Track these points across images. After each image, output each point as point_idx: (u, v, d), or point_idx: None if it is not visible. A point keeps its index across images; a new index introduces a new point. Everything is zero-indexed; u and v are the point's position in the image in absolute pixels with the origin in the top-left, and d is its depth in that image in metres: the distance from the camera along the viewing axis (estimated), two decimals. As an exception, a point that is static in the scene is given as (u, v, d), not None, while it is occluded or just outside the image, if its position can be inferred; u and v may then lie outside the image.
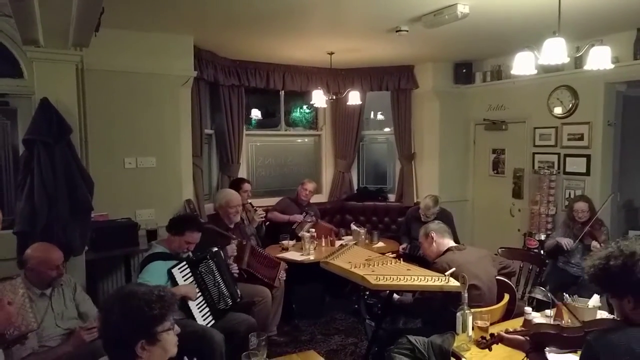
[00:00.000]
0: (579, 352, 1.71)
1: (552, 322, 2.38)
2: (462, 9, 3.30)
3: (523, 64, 2.88)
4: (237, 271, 3.58)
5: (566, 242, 3.95)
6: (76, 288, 2.75)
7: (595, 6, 3.37)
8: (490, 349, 2.00)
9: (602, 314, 2.46)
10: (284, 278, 3.89)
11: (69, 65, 3.38)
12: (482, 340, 1.98)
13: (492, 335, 1.98)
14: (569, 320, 2.36)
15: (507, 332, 1.95)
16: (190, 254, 3.16)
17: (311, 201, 5.27)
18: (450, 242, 2.96)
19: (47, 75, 3.27)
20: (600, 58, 2.81)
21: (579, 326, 1.79)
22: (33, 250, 2.55)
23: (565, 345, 1.79)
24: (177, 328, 1.56)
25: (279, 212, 5.00)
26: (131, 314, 1.45)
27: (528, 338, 1.85)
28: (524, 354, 1.99)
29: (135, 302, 1.46)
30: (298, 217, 4.87)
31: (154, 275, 2.84)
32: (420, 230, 3.07)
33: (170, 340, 1.52)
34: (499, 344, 1.96)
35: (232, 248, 3.62)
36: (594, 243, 3.76)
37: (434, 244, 2.93)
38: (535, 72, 2.99)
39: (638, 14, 3.61)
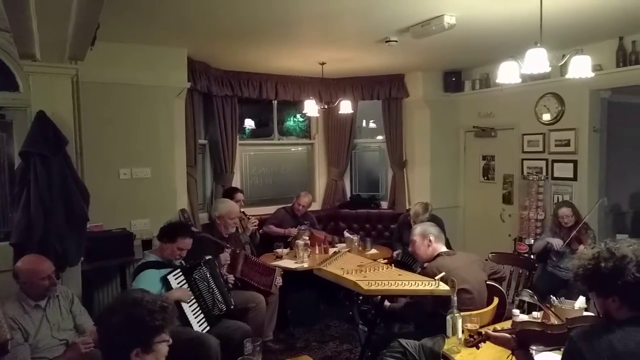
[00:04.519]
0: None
1: (538, 322, 2.45)
2: (449, 20, 3.39)
3: (507, 73, 2.97)
4: (233, 280, 3.62)
5: (556, 242, 4.02)
6: (73, 300, 2.78)
7: (578, 16, 3.47)
8: (478, 347, 2.05)
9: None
10: (280, 283, 3.92)
11: (64, 78, 3.41)
12: (469, 339, 2.05)
13: (479, 333, 2.03)
14: (555, 322, 2.42)
15: (494, 330, 2.01)
16: (183, 261, 3.20)
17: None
18: (442, 248, 3.00)
19: (43, 88, 3.30)
20: (580, 67, 2.91)
21: (563, 323, 1.83)
22: (22, 263, 2.58)
23: (549, 342, 1.85)
24: (170, 340, 1.61)
25: (275, 225, 5.04)
26: (133, 321, 1.50)
27: (514, 336, 1.89)
28: (510, 353, 2.05)
29: (138, 310, 1.51)
30: (293, 231, 4.87)
31: (147, 283, 2.86)
32: (417, 228, 3.06)
33: (163, 351, 1.57)
34: (486, 342, 2.01)
35: (225, 256, 3.66)
36: (581, 247, 3.83)
37: (429, 247, 2.96)
38: (520, 80, 3.07)
39: (620, 23, 3.74)
